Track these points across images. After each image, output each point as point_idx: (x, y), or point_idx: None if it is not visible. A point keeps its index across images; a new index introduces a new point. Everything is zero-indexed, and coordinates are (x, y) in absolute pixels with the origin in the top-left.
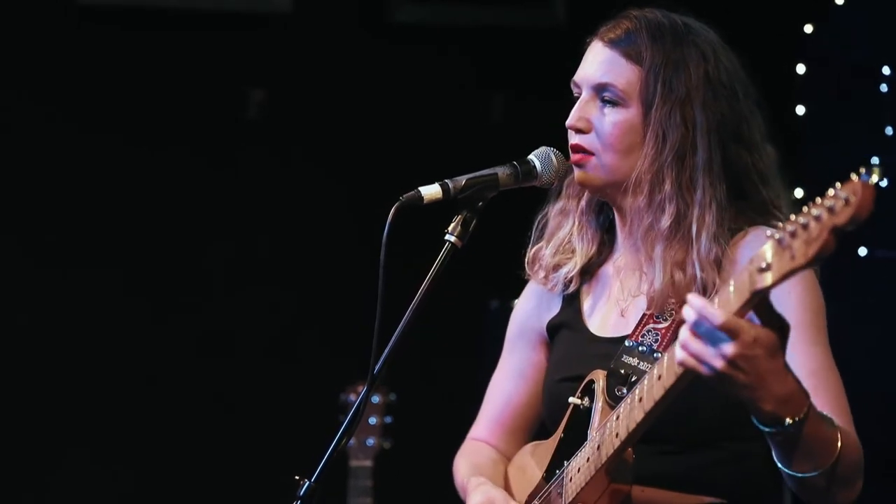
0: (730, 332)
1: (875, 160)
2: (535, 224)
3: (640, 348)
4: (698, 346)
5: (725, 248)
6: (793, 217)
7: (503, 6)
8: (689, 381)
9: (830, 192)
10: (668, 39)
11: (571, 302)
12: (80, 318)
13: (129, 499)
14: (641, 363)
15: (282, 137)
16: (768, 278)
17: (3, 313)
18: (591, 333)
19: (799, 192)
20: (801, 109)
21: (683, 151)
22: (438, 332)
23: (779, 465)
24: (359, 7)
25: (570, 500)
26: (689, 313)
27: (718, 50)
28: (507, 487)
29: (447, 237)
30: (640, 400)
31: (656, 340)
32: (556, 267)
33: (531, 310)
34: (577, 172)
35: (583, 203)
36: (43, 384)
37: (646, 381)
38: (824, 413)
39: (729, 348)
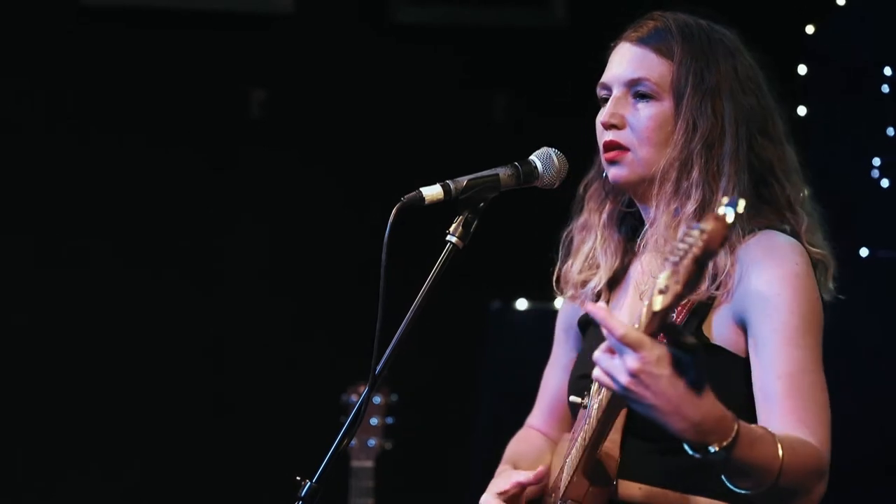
0: (631, 346)
1: (876, 161)
2: (562, 241)
3: None
4: (608, 363)
5: (739, 244)
6: (680, 245)
7: (504, 6)
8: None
9: (695, 223)
10: (697, 35)
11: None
12: (79, 318)
13: (131, 499)
14: None
15: (283, 137)
16: (661, 301)
17: (2, 314)
18: None
19: None
20: (802, 110)
21: (712, 140)
22: (440, 333)
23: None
24: (360, 8)
25: (561, 495)
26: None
27: (742, 47)
28: (549, 472)
29: (448, 238)
30: (597, 407)
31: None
32: (584, 283)
33: (570, 307)
34: (611, 170)
35: (604, 216)
36: (46, 384)
37: (600, 391)
38: (760, 429)
39: (630, 362)
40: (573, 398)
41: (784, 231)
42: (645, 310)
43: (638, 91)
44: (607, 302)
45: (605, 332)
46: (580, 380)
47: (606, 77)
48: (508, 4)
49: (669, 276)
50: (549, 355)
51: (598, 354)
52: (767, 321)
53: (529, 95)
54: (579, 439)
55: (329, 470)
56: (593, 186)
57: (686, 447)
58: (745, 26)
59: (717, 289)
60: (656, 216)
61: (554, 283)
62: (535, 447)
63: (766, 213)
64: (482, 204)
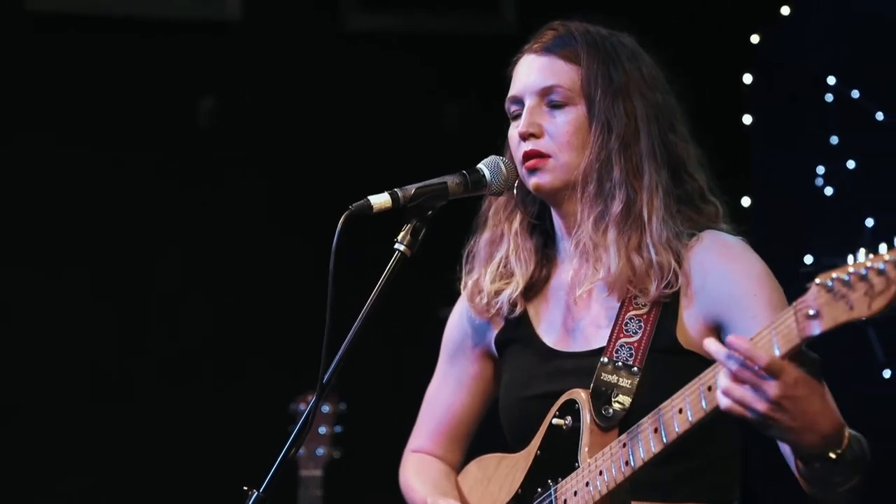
0: (772, 373)
1: (820, 169)
2: (465, 257)
3: (617, 364)
4: (741, 392)
5: (681, 250)
6: (843, 266)
7: (454, 14)
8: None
9: (884, 247)
10: (599, 39)
11: (520, 318)
12: (24, 330)
13: None
14: (621, 380)
15: (230, 145)
16: (819, 326)
17: None
18: (552, 349)
19: (746, 201)
20: (748, 119)
21: (628, 140)
22: (388, 342)
23: (806, 485)
24: (311, 15)
25: None
26: (728, 356)
27: (641, 50)
28: (462, 498)
29: (396, 246)
30: (657, 431)
31: (631, 355)
32: (498, 292)
33: (471, 322)
34: (532, 179)
35: (515, 225)
36: None
37: (663, 413)
38: (854, 433)
39: (772, 390)
40: (556, 420)
41: (722, 230)
42: (778, 333)
43: (552, 100)
44: (522, 312)
45: (740, 359)
46: (531, 400)
47: (516, 90)
48: (458, 11)
49: (825, 301)
50: None
51: (729, 384)
52: (753, 321)
53: (480, 103)
54: (607, 462)
55: (277, 479)
56: (499, 201)
57: (795, 455)
58: (691, 37)
59: (666, 288)
60: (581, 220)
61: (465, 297)
62: (442, 472)
63: (687, 213)
64: (430, 212)
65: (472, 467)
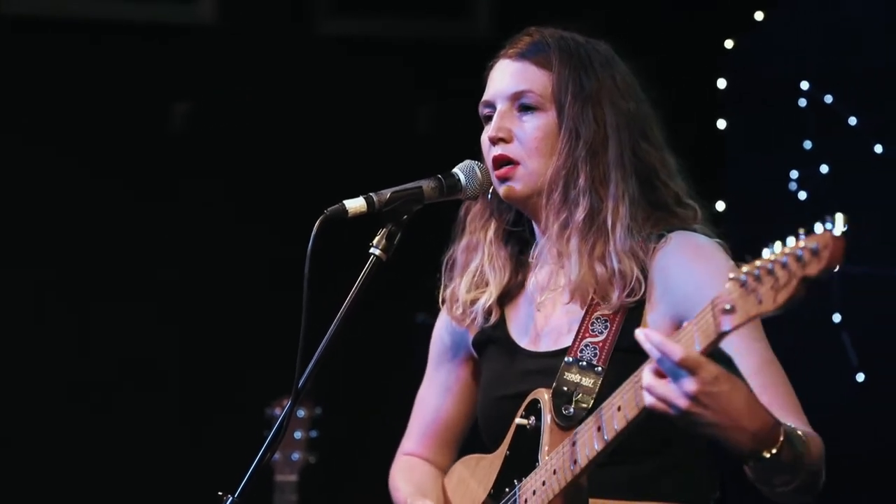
0: (689, 369)
1: (794, 173)
2: (444, 265)
3: (581, 363)
4: (663, 389)
5: (647, 255)
6: (755, 261)
7: (427, 19)
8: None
9: (792, 240)
10: (573, 46)
11: (496, 322)
12: (9, 333)
13: None
14: (584, 379)
15: (205, 150)
16: (732, 321)
17: None
18: (523, 349)
19: (721, 206)
20: (722, 123)
21: (596, 147)
22: (364, 346)
23: (755, 483)
24: (285, 19)
25: None
26: (650, 350)
27: (616, 58)
28: (446, 499)
29: (372, 251)
30: (599, 429)
31: (595, 355)
32: (473, 301)
33: (451, 329)
34: (503, 187)
35: (490, 233)
36: None
37: (604, 411)
38: (791, 427)
39: (690, 385)
40: (520, 420)
41: (695, 231)
42: (699, 329)
43: (522, 104)
44: (499, 318)
45: (654, 355)
46: (501, 401)
47: (489, 94)
48: (432, 16)
49: (739, 295)
50: None
51: (651, 381)
52: None
53: (453, 107)
54: (560, 461)
55: (252, 484)
56: (475, 208)
57: (742, 458)
58: (665, 42)
59: (629, 296)
60: (547, 227)
61: (441, 305)
62: (428, 475)
63: (660, 216)
64: (406, 216)
65: (458, 467)
